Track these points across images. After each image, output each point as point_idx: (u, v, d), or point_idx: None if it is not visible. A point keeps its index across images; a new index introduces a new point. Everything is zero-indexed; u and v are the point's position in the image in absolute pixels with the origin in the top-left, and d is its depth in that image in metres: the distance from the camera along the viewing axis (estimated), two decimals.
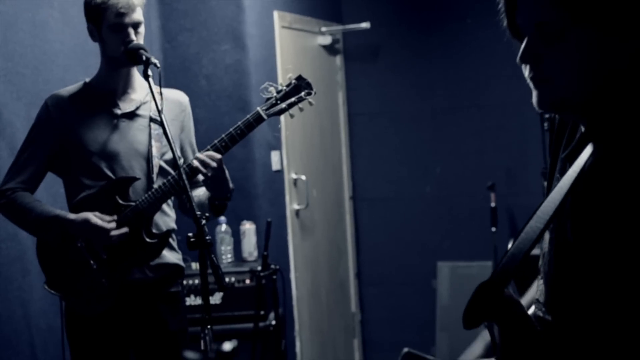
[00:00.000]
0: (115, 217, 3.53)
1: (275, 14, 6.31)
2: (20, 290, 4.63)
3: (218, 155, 3.49)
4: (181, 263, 3.82)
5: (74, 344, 3.75)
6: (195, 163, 3.48)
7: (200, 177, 3.62)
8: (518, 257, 1.75)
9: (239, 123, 3.55)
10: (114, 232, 3.51)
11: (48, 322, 4.72)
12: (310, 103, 3.63)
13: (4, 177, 3.65)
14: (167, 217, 3.74)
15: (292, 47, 6.56)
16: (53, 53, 4.94)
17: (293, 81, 3.60)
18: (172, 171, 3.68)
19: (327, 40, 7.18)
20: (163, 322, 3.73)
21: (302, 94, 3.59)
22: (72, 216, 3.54)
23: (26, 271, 4.63)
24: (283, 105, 3.58)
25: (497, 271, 1.76)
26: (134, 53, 3.49)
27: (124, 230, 3.53)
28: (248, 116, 3.56)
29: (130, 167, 3.63)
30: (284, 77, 6.16)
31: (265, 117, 3.55)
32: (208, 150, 3.52)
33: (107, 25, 3.53)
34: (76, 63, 4.96)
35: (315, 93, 3.63)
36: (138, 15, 3.55)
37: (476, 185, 6.89)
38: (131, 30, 3.53)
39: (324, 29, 7.15)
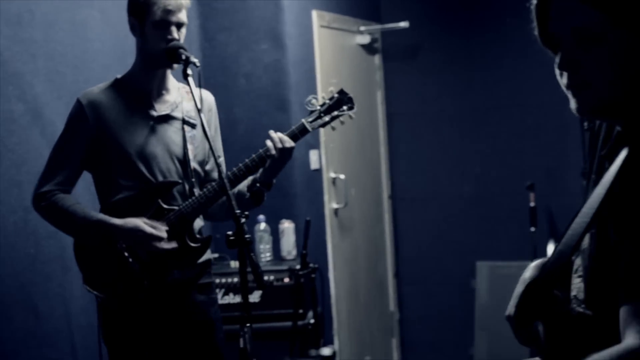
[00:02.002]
0: (166, 227, 3.52)
1: (314, 13, 6.29)
2: (61, 287, 4.65)
3: (292, 142, 3.52)
4: (211, 257, 3.84)
5: (111, 340, 3.75)
6: (269, 142, 3.50)
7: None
8: (565, 256, 1.75)
9: (284, 133, 3.56)
10: (165, 245, 3.51)
11: (88, 320, 4.73)
12: (350, 117, 3.68)
13: (39, 179, 3.63)
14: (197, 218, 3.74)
15: (331, 46, 6.55)
16: (93, 52, 4.96)
17: (335, 95, 3.67)
18: (202, 173, 3.69)
19: (365, 39, 7.16)
20: (203, 312, 3.73)
21: (344, 108, 3.65)
22: (118, 222, 3.51)
23: (67, 269, 4.65)
24: (326, 118, 3.65)
25: (546, 270, 1.75)
26: (174, 52, 3.49)
27: (174, 245, 3.53)
28: (293, 127, 3.61)
29: (168, 169, 3.61)
30: (323, 76, 6.23)
31: (310, 129, 3.61)
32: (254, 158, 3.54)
33: (151, 20, 3.51)
34: (116, 62, 4.97)
35: (356, 107, 3.68)
36: (183, 16, 3.54)
37: (515, 185, 6.83)
38: (174, 29, 3.52)
39: (362, 28, 7.13)
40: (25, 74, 4.51)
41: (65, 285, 4.65)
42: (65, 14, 4.79)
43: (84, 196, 4.02)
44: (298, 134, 3.59)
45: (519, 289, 1.93)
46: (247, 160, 3.57)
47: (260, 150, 3.55)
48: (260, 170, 3.61)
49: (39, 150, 4.53)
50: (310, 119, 3.62)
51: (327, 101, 3.65)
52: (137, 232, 3.48)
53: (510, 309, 1.94)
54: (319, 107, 3.64)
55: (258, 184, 3.62)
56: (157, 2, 3.49)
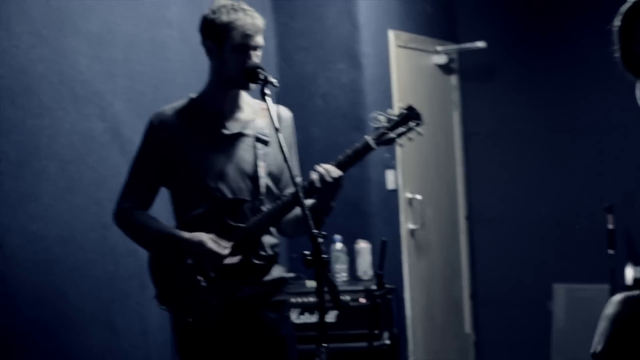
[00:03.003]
0: (231, 243, 3.51)
1: (391, 33, 6.28)
2: (138, 305, 4.67)
3: (339, 172, 3.45)
4: (285, 275, 3.79)
5: (184, 356, 3.74)
6: (315, 175, 3.44)
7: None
8: None
9: (348, 150, 3.49)
10: (227, 260, 3.50)
11: (164, 337, 4.74)
12: (419, 133, 3.55)
13: (119, 196, 3.66)
14: (268, 235, 3.71)
15: (407, 66, 6.52)
16: (172, 72, 4.99)
17: (402, 111, 3.53)
18: (276, 190, 3.66)
19: (442, 59, 7.13)
20: (273, 329, 3.70)
21: (411, 124, 3.51)
22: (186, 235, 3.52)
23: (144, 286, 4.65)
24: (392, 135, 3.50)
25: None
26: (252, 72, 3.48)
27: (236, 259, 3.51)
28: (357, 144, 3.49)
29: (238, 187, 3.60)
30: (399, 96, 6.21)
31: (374, 146, 3.48)
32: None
33: (230, 45, 3.50)
34: (195, 81, 4.96)
35: (425, 124, 3.56)
36: (261, 38, 3.53)
37: (593, 207, 6.71)
38: (252, 53, 3.51)
39: (439, 48, 7.09)
40: (105, 93, 4.56)
41: (143, 302, 4.67)
42: (145, 34, 4.83)
43: (162, 213, 4.03)
44: (362, 151, 3.51)
45: (604, 325, 1.85)
46: (304, 183, 3.52)
47: (305, 182, 3.48)
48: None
49: (118, 169, 4.56)
50: (374, 136, 3.52)
51: (394, 117, 3.54)
52: (200, 246, 3.48)
53: (597, 346, 1.86)
54: (384, 124, 3.55)
55: (317, 214, 3.57)
56: (237, 27, 3.48)
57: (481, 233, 7.50)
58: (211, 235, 3.50)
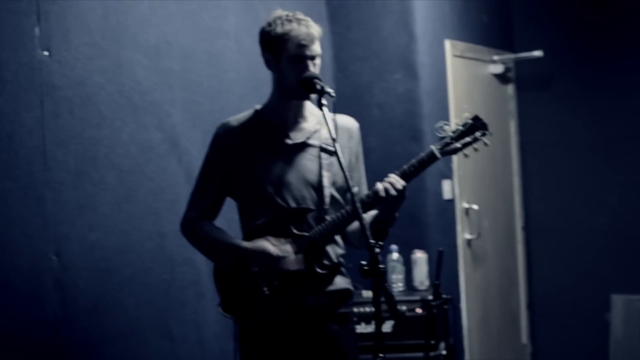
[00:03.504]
0: (290, 240, 3.50)
1: (447, 42, 6.25)
2: (195, 313, 4.68)
3: (403, 182, 3.43)
4: (350, 287, 3.76)
5: None
6: (379, 186, 3.42)
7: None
8: None
9: (413, 160, 3.46)
10: (291, 265, 3.48)
11: (221, 345, 4.75)
12: (485, 144, 3.52)
13: (186, 207, 3.65)
14: (335, 245, 3.69)
15: (464, 76, 6.48)
16: (228, 82, 5.00)
17: (468, 121, 3.49)
18: (341, 200, 3.64)
19: (499, 68, 7.08)
20: (335, 341, 3.67)
21: (477, 134, 3.47)
22: (248, 245, 3.51)
23: (201, 295, 4.67)
24: (457, 145, 3.47)
25: None
26: (309, 82, 3.46)
27: (300, 257, 3.50)
28: (422, 154, 3.46)
29: (302, 197, 3.58)
30: (456, 106, 6.17)
31: (439, 156, 3.45)
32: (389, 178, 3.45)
33: (286, 56, 3.49)
34: (251, 92, 5.00)
35: (491, 134, 3.51)
36: (317, 47, 3.51)
37: None
38: (310, 63, 3.49)
39: (495, 57, 7.05)
40: (163, 103, 4.58)
41: (200, 311, 4.68)
42: (202, 44, 4.84)
43: (220, 224, 4.03)
44: (427, 161, 3.48)
45: None
46: (363, 196, 3.50)
47: (369, 192, 3.46)
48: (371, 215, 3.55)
49: (176, 179, 4.59)
50: (439, 146, 3.49)
51: (460, 127, 3.50)
52: (263, 253, 3.47)
53: None
54: (450, 134, 3.52)
55: (380, 226, 3.55)
56: (292, 38, 3.46)
57: (538, 243, 7.42)
58: (270, 239, 3.48)
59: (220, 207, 3.67)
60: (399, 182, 3.41)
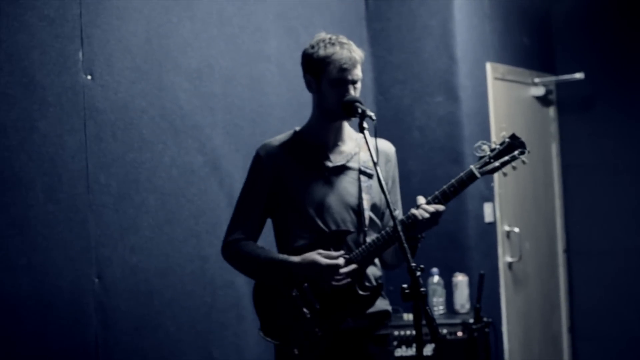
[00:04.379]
0: (342, 252, 3.47)
1: (488, 65, 6.21)
2: (236, 336, 4.66)
3: (441, 208, 3.40)
4: (389, 308, 3.73)
5: None
6: (416, 212, 3.39)
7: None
8: None
9: (452, 181, 3.44)
10: (343, 270, 3.45)
11: None
12: (523, 162, 3.49)
13: (227, 229, 3.63)
14: (373, 266, 3.66)
15: (505, 98, 6.44)
16: (269, 105, 4.99)
17: (507, 140, 3.47)
18: (379, 223, 3.61)
19: (540, 91, 7.04)
20: None
21: (516, 153, 3.46)
22: (298, 259, 3.49)
23: (241, 317, 4.65)
24: (496, 164, 3.46)
25: None
26: (351, 106, 3.44)
27: (353, 266, 3.46)
28: (461, 174, 3.44)
29: (342, 219, 3.56)
30: (497, 129, 6.12)
31: (478, 175, 3.43)
32: (429, 202, 3.42)
33: (328, 79, 3.48)
34: (292, 115, 4.99)
35: (529, 152, 3.48)
36: (358, 71, 3.50)
37: None
38: (351, 87, 3.48)
39: (537, 80, 7.00)
40: (204, 126, 4.57)
41: (240, 334, 4.65)
42: (243, 68, 4.84)
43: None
44: (466, 181, 3.45)
45: None
46: (403, 217, 3.46)
47: (404, 217, 3.43)
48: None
49: (217, 202, 4.58)
50: (479, 165, 3.48)
51: (498, 146, 3.49)
52: (315, 266, 3.44)
53: None
54: (488, 153, 3.50)
55: (410, 239, 3.51)
56: (333, 62, 3.45)
57: (579, 265, 7.34)
58: (320, 251, 3.45)
59: (261, 229, 3.64)
60: (440, 208, 3.39)
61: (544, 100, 7.17)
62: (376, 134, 3.37)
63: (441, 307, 5.63)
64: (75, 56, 3.95)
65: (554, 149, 7.30)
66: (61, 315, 3.83)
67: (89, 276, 3.96)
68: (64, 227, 3.86)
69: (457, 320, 5.36)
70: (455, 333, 5.27)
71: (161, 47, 4.37)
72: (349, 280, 3.46)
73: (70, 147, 3.91)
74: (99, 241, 4.00)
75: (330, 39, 3.49)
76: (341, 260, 3.45)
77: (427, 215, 3.38)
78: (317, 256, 3.44)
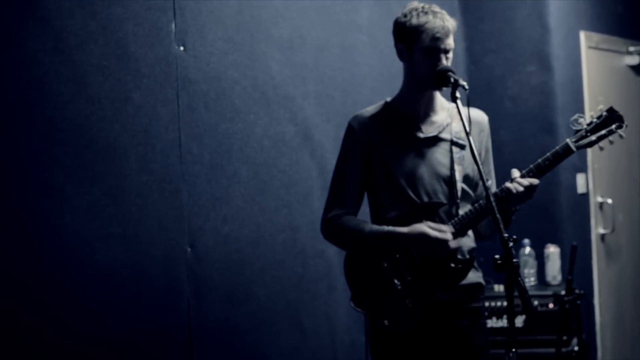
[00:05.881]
0: (450, 226, 3.41)
1: (582, 34, 6.08)
2: (326, 306, 4.63)
3: (536, 181, 3.32)
4: (482, 281, 3.66)
5: (377, 358, 3.66)
6: (510, 185, 3.32)
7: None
8: None
9: (547, 154, 3.35)
10: (452, 243, 3.39)
11: (352, 338, 4.70)
12: (620, 136, 3.38)
13: (325, 206, 3.59)
14: (467, 238, 3.59)
15: (599, 67, 6.30)
16: (361, 76, 4.94)
17: (604, 113, 3.37)
18: (472, 194, 3.53)
19: (634, 60, 6.88)
20: (466, 337, 3.58)
21: (613, 127, 3.35)
22: (405, 230, 3.43)
23: (332, 287, 4.63)
24: (593, 137, 3.36)
25: None
26: (443, 75, 3.37)
27: (460, 240, 3.41)
28: (557, 147, 3.35)
29: (434, 190, 3.50)
30: (590, 98, 5.97)
31: (574, 149, 3.34)
32: (523, 176, 3.34)
33: (420, 47, 3.41)
34: (383, 85, 4.93)
35: (626, 126, 3.37)
36: (451, 41, 3.42)
37: None
38: (443, 56, 3.40)
39: (631, 48, 6.84)
40: (296, 97, 4.54)
41: (331, 303, 4.63)
42: (334, 38, 4.79)
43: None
44: (562, 154, 3.36)
45: None
46: (497, 190, 3.38)
47: (498, 190, 3.35)
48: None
49: (308, 172, 4.55)
50: (575, 139, 3.38)
51: (595, 120, 3.39)
52: (424, 237, 3.38)
53: None
54: (585, 126, 3.39)
55: (504, 211, 3.43)
56: (426, 30, 3.38)
57: None
58: (429, 223, 3.39)
59: (361, 202, 3.58)
60: (534, 182, 3.31)
61: (638, 69, 7.00)
62: (469, 104, 3.29)
63: (532, 279, 5.57)
64: (168, 27, 3.93)
65: None
66: (154, 284, 3.84)
67: (181, 245, 3.96)
68: (157, 197, 3.86)
69: (549, 292, 5.30)
70: (546, 305, 5.20)
71: (253, 17, 4.34)
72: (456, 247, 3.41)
73: (163, 117, 3.90)
74: (192, 211, 4.00)
75: (423, 7, 3.42)
76: (450, 235, 3.38)
77: (521, 188, 3.30)
78: (426, 228, 3.37)
